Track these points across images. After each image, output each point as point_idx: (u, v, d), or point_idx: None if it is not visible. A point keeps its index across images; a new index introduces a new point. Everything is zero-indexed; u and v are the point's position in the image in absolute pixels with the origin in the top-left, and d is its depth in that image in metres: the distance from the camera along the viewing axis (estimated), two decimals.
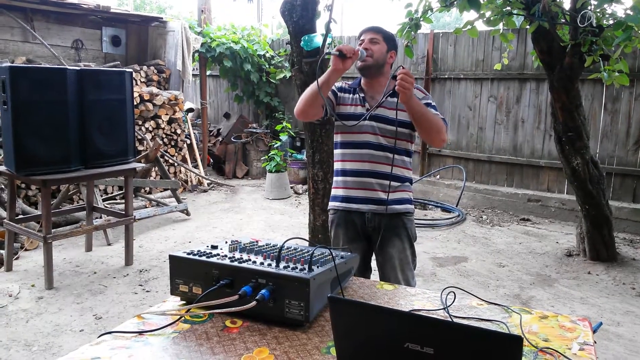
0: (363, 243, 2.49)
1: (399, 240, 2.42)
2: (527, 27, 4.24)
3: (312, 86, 2.27)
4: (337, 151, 2.51)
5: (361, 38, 2.40)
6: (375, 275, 2.58)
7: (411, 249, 2.46)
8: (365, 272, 2.55)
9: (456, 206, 6.56)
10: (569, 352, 1.32)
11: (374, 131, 2.36)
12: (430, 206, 6.84)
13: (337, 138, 2.50)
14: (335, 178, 2.54)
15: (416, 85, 2.37)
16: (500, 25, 4.39)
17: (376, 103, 2.38)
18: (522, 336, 1.26)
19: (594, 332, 1.50)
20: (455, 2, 3.89)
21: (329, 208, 2.57)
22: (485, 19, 4.16)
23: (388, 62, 2.41)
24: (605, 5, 3.70)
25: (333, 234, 2.54)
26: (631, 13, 3.15)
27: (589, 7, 3.63)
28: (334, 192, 2.53)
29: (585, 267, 4.57)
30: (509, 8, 4.08)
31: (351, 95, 2.45)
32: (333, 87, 2.41)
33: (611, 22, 3.80)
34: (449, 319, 1.50)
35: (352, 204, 2.43)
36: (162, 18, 7.89)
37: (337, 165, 2.51)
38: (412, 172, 2.54)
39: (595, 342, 1.42)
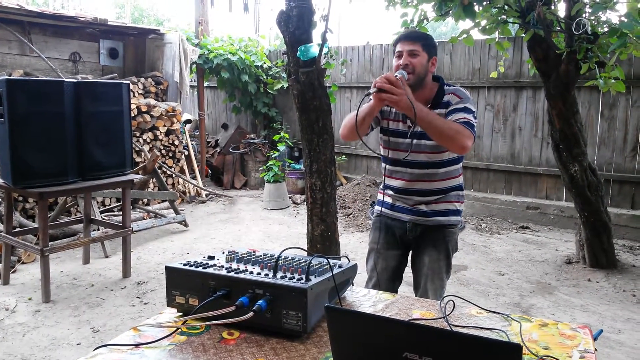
0: (399, 252, 2.47)
1: (434, 250, 2.38)
2: (523, 35, 4.25)
3: (356, 116, 2.13)
4: (383, 164, 2.47)
5: (398, 49, 2.24)
6: (403, 287, 2.57)
7: (446, 260, 2.40)
8: (395, 281, 2.50)
9: None
10: None
11: (417, 149, 2.27)
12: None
13: (382, 152, 2.46)
14: (381, 185, 2.53)
15: (456, 88, 2.28)
16: (496, 34, 4.42)
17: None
18: (522, 344, 1.25)
19: (595, 339, 1.49)
20: (450, 12, 3.91)
21: (373, 211, 2.54)
22: (480, 27, 4.18)
23: (430, 71, 2.27)
24: (600, 13, 3.72)
25: (371, 237, 2.53)
26: (625, 20, 3.17)
27: (584, 15, 3.65)
28: (380, 197, 2.52)
29: (585, 274, 4.56)
30: (504, 16, 4.10)
31: (393, 109, 2.33)
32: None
33: (606, 29, 3.82)
34: (448, 328, 1.49)
35: (395, 212, 2.43)
36: (159, 30, 7.92)
37: (384, 179, 2.48)
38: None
39: (596, 350, 1.41)
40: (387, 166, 2.40)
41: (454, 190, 2.40)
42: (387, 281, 2.45)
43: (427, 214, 2.35)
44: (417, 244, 2.42)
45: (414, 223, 2.38)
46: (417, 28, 4.19)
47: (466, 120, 2.16)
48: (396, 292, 2.44)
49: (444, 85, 2.30)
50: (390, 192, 2.44)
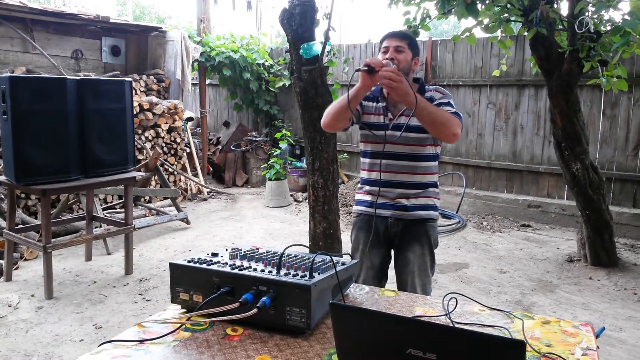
0: (383, 249, 2.49)
1: (419, 246, 2.41)
2: (525, 33, 4.25)
3: (340, 101, 2.23)
4: (362, 160, 2.51)
5: (384, 45, 2.31)
6: (390, 282, 2.58)
7: (430, 255, 2.44)
8: (381, 279, 2.52)
9: (456, 213, 6.55)
10: (572, 358, 1.31)
11: (396, 141, 2.33)
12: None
13: (362, 147, 2.49)
14: (360, 184, 2.55)
15: (436, 87, 2.38)
16: (499, 32, 4.41)
17: (399, 112, 2.36)
18: (525, 341, 1.26)
19: (597, 337, 1.50)
20: (453, 10, 3.91)
21: (353, 211, 2.57)
22: (483, 25, 4.18)
23: (413, 69, 2.36)
24: (603, 11, 3.71)
25: (354, 237, 2.54)
26: (629, 18, 3.16)
27: (587, 13, 3.65)
28: (358, 197, 2.54)
29: (587, 272, 4.56)
30: (506, 15, 4.10)
31: (374, 104, 2.41)
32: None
33: (609, 27, 3.81)
34: (451, 325, 1.49)
35: (374, 208, 2.43)
36: (161, 28, 7.92)
37: (362, 174, 2.52)
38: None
39: (598, 347, 1.41)
40: (369, 160, 2.44)
41: (432, 186, 2.45)
42: (374, 279, 2.47)
43: (408, 208, 2.39)
44: (400, 240, 2.44)
45: (396, 218, 2.40)
46: (420, 26, 4.19)
47: (454, 111, 2.27)
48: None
49: (424, 85, 2.40)
50: (369, 187, 2.46)
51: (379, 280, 2.50)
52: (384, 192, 2.41)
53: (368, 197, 2.47)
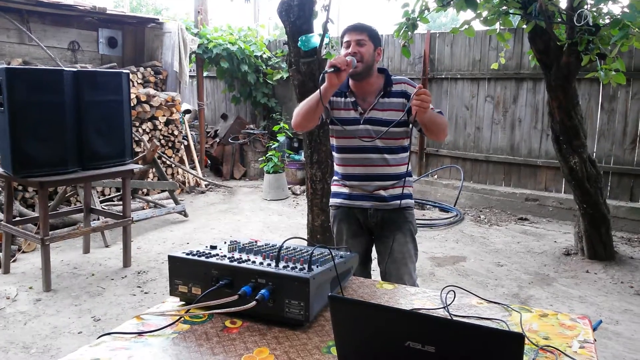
0: (365, 237, 2.53)
1: (401, 234, 2.44)
2: (524, 26, 4.24)
3: (310, 101, 2.24)
4: (335, 155, 2.52)
5: (346, 39, 2.31)
6: (375, 268, 2.61)
7: (413, 243, 2.48)
8: (367, 263, 2.58)
9: (454, 206, 6.56)
10: (569, 350, 1.32)
11: (369, 134, 2.36)
12: (428, 206, 6.84)
13: (333, 142, 2.49)
14: (335, 177, 2.57)
15: (404, 79, 2.41)
16: (497, 25, 4.40)
17: (368, 106, 2.37)
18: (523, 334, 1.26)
19: (594, 330, 1.50)
20: (452, 2, 3.90)
21: (330, 204, 2.59)
22: (482, 18, 4.16)
23: (376, 60, 2.37)
24: (602, 4, 3.71)
25: (336, 229, 2.57)
26: (628, 11, 3.16)
27: (586, 6, 3.63)
28: (335, 189, 2.55)
29: (584, 265, 4.58)
30: (505, 7, 4.09)
31: (343, 99, 2.40)
32: None
33: (607, 20, 3.80)
34: (450, 318, 1.50)
35: (354, 201, 2.46)
36: (158, 19, 7.88)
37: (337, 168, 2.54)
38: (410, 164, 2.55)
39: (595, 340, 1.42)
40: (344, 155, 2.45)
41: (407, 175, 2.47)
42: (360, 265, 2.49)
43: (387, 198, 2.42)
44: (380, 229, 2.47)
45: (375, 209, 2.43)
46: (419, 19, 4.17)
47: (439, 110, 2.34)
48: (369, 272, 2.58)
49: (390, 76, 2.41)
50: (348, 181, 2.47)
51: (365, 265, 2.55)
52: (362, 186, 2.44)
53: (345, 190, 2.49)
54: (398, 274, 2.41)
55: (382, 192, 2.42)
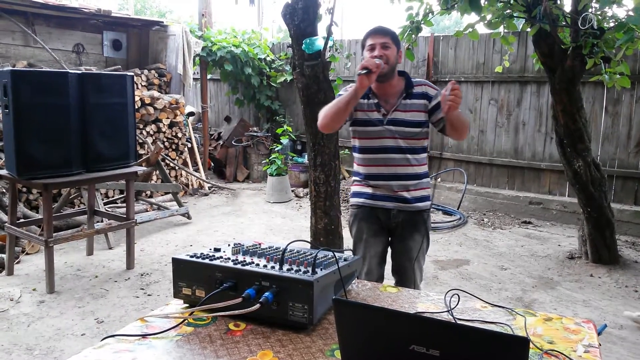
0: (385, 237, 2.59)
1: (418, 235, 2.54)
2: (528, 29, 4.24)
3: (339, 102, 2.29)
4: (357, 155, 2.57)
5: (370, 43, 2.38)
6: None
7: (427, 242, 2.60)
8: (382, 264, 2.62)
9: (457, 209, 6.55)
10: (574, 355, 1.32)
11: (392, 135, 2.43)
12: (431, 209, 6.82)
13: (356, 143, 2.55)
14: (356, 177, 2.62)
15: (424, 81, 2.50)
16: (501, 28, 4.40)
17: (391, 107, 2.43)
18: (528, 338, 1.26)
19: (599, 334, 1.50)
20: (456, 5, 3.90)
21: (351, 204, 2.64)
22: (486, 21, 4.16)
23: (399, 62, 2.45)
24: (607, 8, 3.70)
25: (356, 228, 2.60)
26: (633, 15, 3.15)
27: (590, 10, 3.63)
28: (357, 189, 2.60)
29: (588, 269, 4.56)
30: (510, 11, 4.08)
31: (366, 100, 2.46)
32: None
33: (612, 24, 3.80)
34: (454, 322, 1.49)
35: (377, 201, 2.52)
36: (162, 22, 7.90)
37: (358, 168, 2.59)
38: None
39: (600, 345, 1.41)
40: (367, 155, 2.51)
41: (426, 176, 2.56)
42: (377, 266, 2.58)
43: (409, 200, 2.49)
44: (401, 230, 2.54)
45: (398, 210, 2.50)
46: (423, 22, 4.17)
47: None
48: (383, 273, 2.64)
49: (410, 78, 2.50)
50: (371, 181, 2.53)
51: (381, 265, 2.61)
52: (385, 185, 2.49)
53: (369, 190, 2.54)
54: (412, 269, 2.54)
55: (404, 194, 2.48)
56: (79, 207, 5.55)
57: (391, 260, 2.64)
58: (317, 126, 2.41)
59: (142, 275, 4.28)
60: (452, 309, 1.58)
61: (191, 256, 1.55)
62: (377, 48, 2.35)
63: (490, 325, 1.49)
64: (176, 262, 1.55)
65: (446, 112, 2.14)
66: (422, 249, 2.57)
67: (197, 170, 7.84)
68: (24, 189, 5.27)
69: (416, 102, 2.44)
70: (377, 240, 2.56)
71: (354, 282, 1.79)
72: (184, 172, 7.36)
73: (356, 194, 2.60)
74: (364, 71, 2.16)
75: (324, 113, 2.36)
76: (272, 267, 1.46)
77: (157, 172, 6.27)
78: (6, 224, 4.15)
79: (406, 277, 2.57)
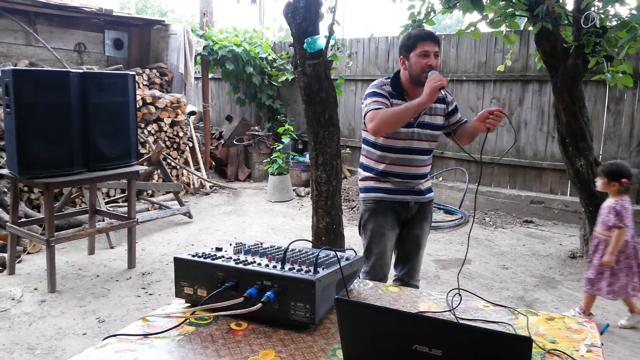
0: (399, 230, 2.68)
1: (427, 224, 2.72)
2: (530, 28, 4.23)
3: (404, 113, 2.32)
4: (375, 152, 2.60)
5: (425, 49, 2.41)
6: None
7: (429, 229, 2.78)
8: (390, 257, 2.71)
9: (459, 208, 6.54)
10: (576, 354, 1.31)
11: (419, 137, 2.55)
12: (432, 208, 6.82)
13: (379, 140, 2.56)
14: (368, 173, 2.65)
15: (447, 90, 2.53)
16: (503, 27, 4.39)
17: (422, 110, 2.50)
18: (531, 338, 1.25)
19: (602, 333, 1.50)
20: (458, 4, 3.89)
21: (365, 199, 2.66)
22: (488, 20, 4.15)
23: None
24: (609, 6, 3.69)
25: (374, 222, 2.62)
26: (635, 13, 3.14)
27: (593, 8, 3.62)
28: (372, 184, 2.63)
29: None
30: (512, 9, 4.08)
31: (400, 101, 2.50)
32: (385, 93, 2.48)
33: (615, 23, 3.79)
34: (457, 321, 1.49)
35: (396, 195, 2.60)
36: (164, 21, 7.90)
37: (375, 165, 2.62)
38: None
39: (602, 344, 1.41)
40: (390, 154, 2.57)
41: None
42: (390, 258, 2.70)
43: (423, 192, 2.66)
44: (413, 220, 2.67)
45: (415, 202, 2.63)
46: (424, 20, 4.16)
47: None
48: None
49: None
50: (393, 178, 2.59)
51: (390, 256, 2.71)
52: (404, 182, 2.59)
53: (387, 185, 2.60)
54: (417, 255, 2.71)
55: (420, 187, 2.64)
56: (80, 206, 5.55)
57: (396, 250, 2.74)
58: (371, 130, 2.40)
59: (143, 274, 4.28)
60: (454, 308, 1.57)
61: (193, 255, 1.55)
62: (431, 56, 2.40)
63: (492, 325, 1.49)
64: (178, 261, 1.55)
65: (483, 130, 2.31)
66: (427, 238, 2.75)
67: (198, 169, 7.84)
68: (26, 188, 5.27)
69: (439, 107, 2.60)
70: (394, 233, 2.64)
71: (355, 281, 1.79)
72: (185, 172, 7.36)
73: (372, 189, 2.63)
74: (443, 92, 2.31)
75: (384, 120, 2.35)
76: (274, 267, 1.46)
77: (159, 171, 6.27)
78: (8, 223, 4.15)
79: (411, 266, 2.72)
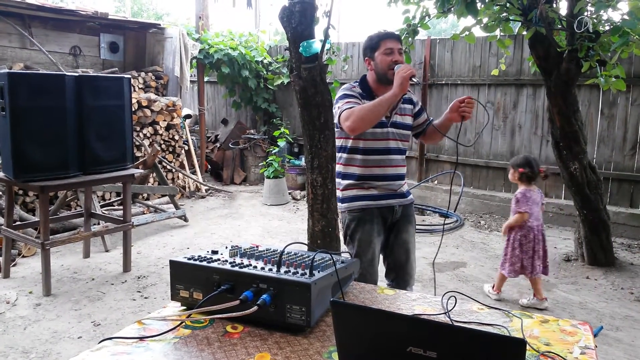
0: (385, 235, 2.66)
1: (411, 226, 2.69)
2: (524, 32, 4.26)
3: (379, 107, 2.31)
4: (357, 157, 2.55)
5: (388, 46, 2.44)
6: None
7: (415, 232, 2.75)
8: (378, 263, 2.67)
9: (454, 212, 6.56)
10: (570, 357, 1.32)
11: (394, 137, 2.56)
12: (428, 212, 6.84)
13: (359, 144, 2.53)
14: (349, 181, 2.59)
15: (411, 91, 2.63)
16: (498, 31, 4.42)
17: (392, 110, 2.53)
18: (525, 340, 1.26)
19: (595, 336, 1.50)
20: (452, 8, 3.91)
21: (350, 208, 2.61)
22: (482, 25, 4.18)
23: None
24: (602, 11, 3.72)
25: (362, 231, 2.57)
26: (628, 18, 3.17)
27: (586, 13, 3.66)
28: (354, 192, 2.58)
29: (584, 272, 4.57)
30: (506, 14, 4.11)
31: (370, 101, 2.45)
32: (355, 94, 2.49)
33: (608, 27, 3.82)
34: (451, 324, 1.50)
35: (381, 200, 2.57)
36: (160, 24, 7.90)
37: (355, 171, 2.57)
38: (409, 176, 2.81)
39: (596, 346, 1.42)
40: (370, 157, 2.54)
41: None
42: (378, 264, 2.66)
43: (405, 194, 2.66)
44: (398, 224, 2.65)
45: (399, 205, 2.62)
46: (419, 25, 4.19)
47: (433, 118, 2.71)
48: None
49: None
50: (376, 182, 2.56)
51: (378, 262, 2.67)
52: (386, 185, 2.57)
53: (371, 191, 2.57)
54: (408, 260, 2.65)
55: (402, 189, 2.64)
56: (75, 209, 5.54)
57: (385, 259, 2.69)
58: (348, 128, 2.37)
59: (139, 277, 4.27)
60: (449, 311, 1.58)
61: (188, 258, 1.56)
62: (395, 53, 2.43)
63: (487, 327, 1.50)
64: (174, 264, 1.55)
65: (458, 120, 2.34)
66: (414, 241, 2.71)
67: (194, 172, 7.84)
68: (21, 192, 5.26)
69: (407, 107, 2.63)
70: (380, 239, 2.62)
71: (351, 284, 1.79)
72: (180, 175, 7.35)
73: (356, 198, 2.58)
74: (416, 80, 2.32)
75: (361, 117, 2.32)
76: (270, 270, 1.46)
77: (154, 174, 6.27)
78: (2, 226, 4.14)
79: (404, 272, 2.66)
